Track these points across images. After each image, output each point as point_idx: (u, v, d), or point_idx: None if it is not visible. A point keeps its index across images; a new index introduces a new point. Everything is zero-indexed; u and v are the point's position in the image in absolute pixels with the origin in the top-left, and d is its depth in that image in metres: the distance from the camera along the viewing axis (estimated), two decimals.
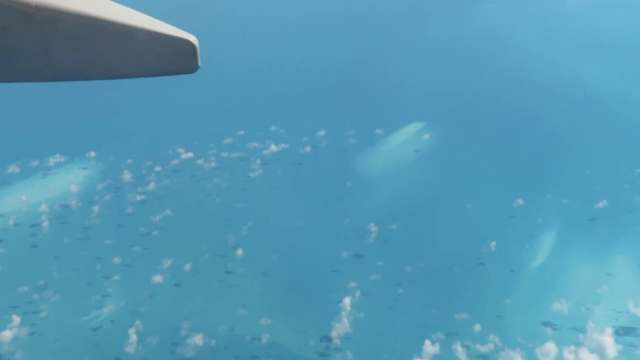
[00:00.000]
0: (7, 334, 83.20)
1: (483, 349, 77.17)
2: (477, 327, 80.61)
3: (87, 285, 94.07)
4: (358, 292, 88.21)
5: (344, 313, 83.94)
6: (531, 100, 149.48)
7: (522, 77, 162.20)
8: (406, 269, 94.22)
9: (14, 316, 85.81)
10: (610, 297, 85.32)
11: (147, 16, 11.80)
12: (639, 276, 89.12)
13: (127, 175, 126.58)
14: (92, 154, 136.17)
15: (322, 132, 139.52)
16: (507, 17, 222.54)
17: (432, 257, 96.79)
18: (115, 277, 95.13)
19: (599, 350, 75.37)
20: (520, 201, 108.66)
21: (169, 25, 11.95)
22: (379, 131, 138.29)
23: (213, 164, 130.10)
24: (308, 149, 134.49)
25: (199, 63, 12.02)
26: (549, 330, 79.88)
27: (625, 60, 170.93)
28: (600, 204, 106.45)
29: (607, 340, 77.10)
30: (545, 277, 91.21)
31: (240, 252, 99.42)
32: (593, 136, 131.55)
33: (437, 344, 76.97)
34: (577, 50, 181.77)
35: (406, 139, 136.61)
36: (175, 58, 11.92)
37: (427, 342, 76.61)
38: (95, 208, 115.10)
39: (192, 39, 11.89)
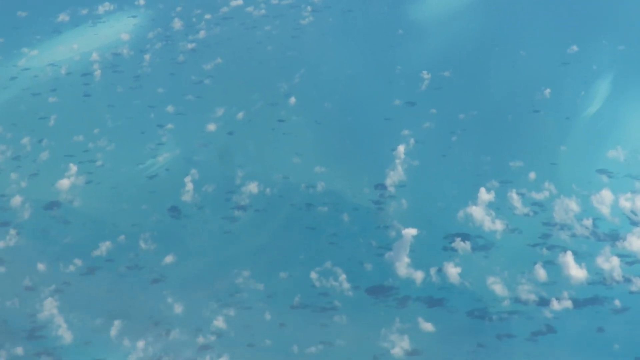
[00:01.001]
0: (65, 182, 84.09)
1: (538, 196, 76.72)
2: (532, 175, 79.97)
3: (141, 134, 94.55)
4: (412, 140, 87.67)
5: (397, 161, 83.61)
6: None
7: None
8: (459, 116, 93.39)
9: (71, 165, 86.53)
10: None
11: None
12: None
13: (177, 24, 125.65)
14: (142, 1, 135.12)
15: None
16: None
17: (485, 105, 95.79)
18: (169, 126, 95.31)
19: None
20: (574, 47, 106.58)
21: None
22: None
23: (263, 11, 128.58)
24: None
25: None
26: (604, 178, 79.11)
27: None
28: None
29: None
30: (600, 125, 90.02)
31: (292, 100, 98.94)
32: None
33: (492, 192, 76.54)
34: None
35: None
36: None
37: (482, 190, 76.15)
38: (147, 56, 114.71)
39: None
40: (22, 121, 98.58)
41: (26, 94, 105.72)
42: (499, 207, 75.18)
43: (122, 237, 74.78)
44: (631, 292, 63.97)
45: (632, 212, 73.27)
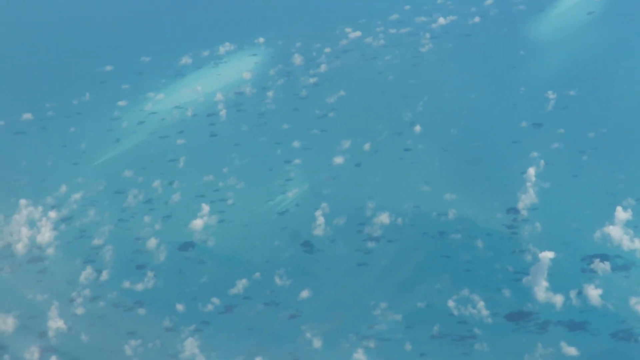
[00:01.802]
0: (199, 223, 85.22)
1: None
2: None
3: (269, 171, 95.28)
4: (542, 162, 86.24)
5: (528, 184, 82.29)
6: None
7: None
8: (589, 135, 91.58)
9: (203, 205, 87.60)
10: None
11: None
12: None
13: (297, 59, 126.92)
14: (261, 39, 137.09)
15: (489, 1, 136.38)
16: None
17: (614, 122, 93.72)
18: (296, 161, 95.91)
19: None
20: None
21: None
22: None
23: (382, 41, 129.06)
24: (477, 19, 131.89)
25: None
26: None
27: None
28: None
29: None
30: None
31: (417, 128, 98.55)
32: None
33: (629, 210, 74.58)
34: None
35: (577, 1, 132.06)
36: None
37: (619, 208, 74.27)
38: (270, 93, 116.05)
39: None
40: (152, 164, 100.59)
41: (154, 137, 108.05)
42: (637, 225, 73.12)
43: (257, 274, 75.27)
44: None
45: None
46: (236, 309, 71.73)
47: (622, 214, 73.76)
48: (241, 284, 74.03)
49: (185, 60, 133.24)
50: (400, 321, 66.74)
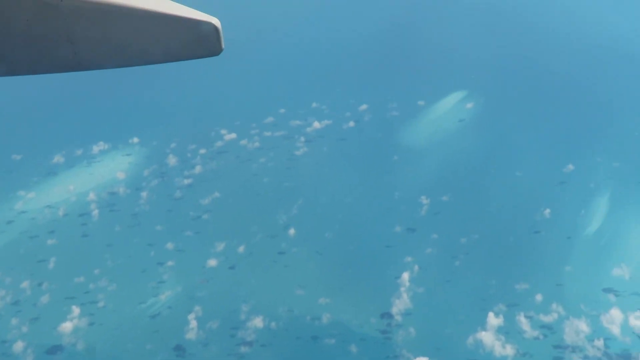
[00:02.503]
0: (68, 325, 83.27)
1: (547, 318, 76.43)
2: (539, 297, 79.90)
3: (142, 272, 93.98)
4: (416, 267, 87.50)
5: (402, 289, 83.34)
6: (573, 63, 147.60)
7: (562, 40, 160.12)
8: (461, 240, 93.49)
9: (73, 307, 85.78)
10: None
11: (169, 0, 11.64)
12: None
13: (172, 160, 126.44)
14: (136, 139, 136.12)
15: (364, 106, 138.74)
16: None
17: (486, 228, 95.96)
18: (170, 263, 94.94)
19: None
20: (570, 166, 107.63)
21: (191, 9, 11.82)
22: (421, 102, 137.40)
23: (257, 143, 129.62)
24: (351, 124, 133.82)
25: (223, 45, 11.92)
26: (611, 297, 78.98)
27: None
28: None
29: None
30: (603, 243, 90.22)
31: (292, 231, 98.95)
32: (638, 95, 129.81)
33: (501, 316, 76.13)
34: (619, 6, 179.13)
35: (449, 109, 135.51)
36: (198, 41, 11.82)
37: (491, 314, 75.79)
38: (144, 194, 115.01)
39: (215, 21, 11.73)
40: (21, 265, 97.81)
41: (24, 237, 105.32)
42: (508, 331, 74.71)
43: None
44: None
45: None
46: None
47: (493, 320, 75.19)
48: None
49: (58, 158, 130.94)
50: None
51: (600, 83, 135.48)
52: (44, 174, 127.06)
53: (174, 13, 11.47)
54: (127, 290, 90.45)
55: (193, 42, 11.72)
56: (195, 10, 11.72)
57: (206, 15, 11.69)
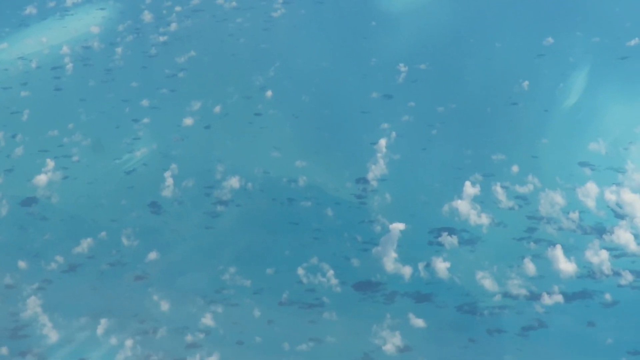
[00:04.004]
0: (43, 178, 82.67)
1: (523, 189, 76.64)
2: (515, 168, 79.99)
3: (116, 129, 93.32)
4: (393, 134, 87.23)
5: (379, 155, 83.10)
6: None
7: None
8: (438, 109, 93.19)
9: (47, 160, 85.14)
10: None
11: None
12: None
13: (147, 16, 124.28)
14: None
15: None
16: None
17: (463, 97, 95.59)
18: (145, 120, 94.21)
19: None
20: (550, 39, 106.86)
21: None
22: None
23: (234, 3, 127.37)
24: None
25: None
26: (587, 171, 79.24)
27: None
28: (632, 42, 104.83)
29: None
30: (580, 117, 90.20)
31: (269, 93, 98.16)
32: None
33: (477, 185, 76.35)
34: None
35: None
36: None
37: (467, 184, 75.90)
38: (118, 50, 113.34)
39: None
40: None
41: None
42: (483, 201, 75.02)
43: (103, 233, 73.57)
44: (620, 286, 64.00)
45: (618, 205, 73.32)
46: (80, 268, 69.77)
47: (469, 189, 75.36)
48: (86, 243, 72.00)
49: (30, 10, 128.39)
50: (249, 287, 66.28)
51: None
52: (16, 24, 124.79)
53: None
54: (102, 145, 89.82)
55: None
56: None
57: None
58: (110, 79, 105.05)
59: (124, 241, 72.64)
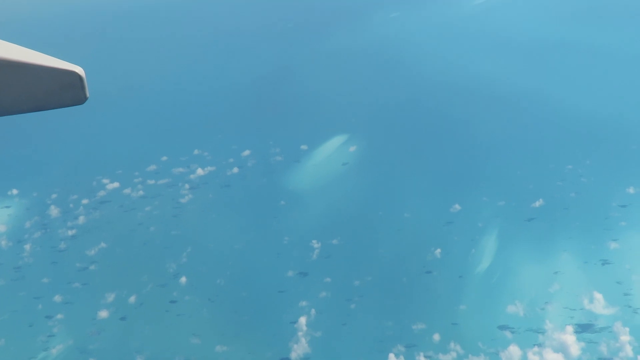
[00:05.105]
0: None
1: (446, 358, 76.88)
2: (436, 337, 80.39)
3: (30, 327, 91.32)
4: (312, 311, 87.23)
5: (300, 333, 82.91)
6: (448, 104, 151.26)
7: (435, 81, 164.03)
8: (355, 283, 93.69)
9: None
10: (562, 295, 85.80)
11: (30, 50, 11.40)
12: (586, 272, 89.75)
13: (54, 211, 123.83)
14: (15, 191, 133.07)
15: (247, 152, 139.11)
16: (411, 24, 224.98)
17: (378, 269, 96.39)
18: (59, 316, 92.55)
19: (562, 349, 75.48)
20: (457, 206, 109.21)
21: (54, 58, 11.43)
22: (304, 147, 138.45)
23: (141, 192, 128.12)
24: (235, 170, 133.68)
25: (87, 94, 11.66)
26: (507, 334, 79.96)
27: (532, 57, 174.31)
28: (537, 203, 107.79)
29: (569, 338, 77.31)
30: (494, 280, 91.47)
31: (183, 279, 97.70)
32: (517, 135, 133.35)
33: (401, 357, 76.39)
34: (484, 50, 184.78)
35: (332, 153, 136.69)
36: (62, 90, 11.50)
37: (391, 356, 75.93)
38: (27, 247, 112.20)
39: (78, 70, 11.47)
40: None
41: None
42: None
43: None
44: None
45: None
46: None
47: None
48: None
49: None
50: None
51: (474, 122, 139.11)
52: None
53: (37, 63, 11.12)
54: (16, 345, 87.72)
55: (57, 91, 11.37)
56: (59, 60, 11.41)
57: (70, 64, 11.40)
58: (20, 277, 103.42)
59: None
